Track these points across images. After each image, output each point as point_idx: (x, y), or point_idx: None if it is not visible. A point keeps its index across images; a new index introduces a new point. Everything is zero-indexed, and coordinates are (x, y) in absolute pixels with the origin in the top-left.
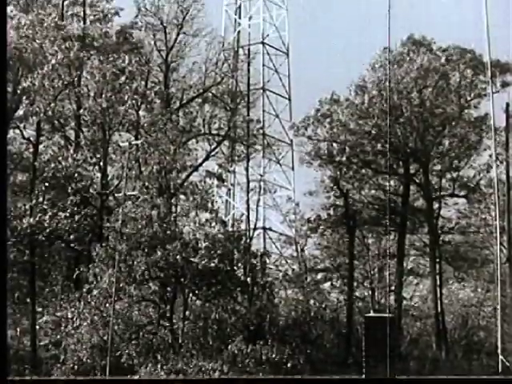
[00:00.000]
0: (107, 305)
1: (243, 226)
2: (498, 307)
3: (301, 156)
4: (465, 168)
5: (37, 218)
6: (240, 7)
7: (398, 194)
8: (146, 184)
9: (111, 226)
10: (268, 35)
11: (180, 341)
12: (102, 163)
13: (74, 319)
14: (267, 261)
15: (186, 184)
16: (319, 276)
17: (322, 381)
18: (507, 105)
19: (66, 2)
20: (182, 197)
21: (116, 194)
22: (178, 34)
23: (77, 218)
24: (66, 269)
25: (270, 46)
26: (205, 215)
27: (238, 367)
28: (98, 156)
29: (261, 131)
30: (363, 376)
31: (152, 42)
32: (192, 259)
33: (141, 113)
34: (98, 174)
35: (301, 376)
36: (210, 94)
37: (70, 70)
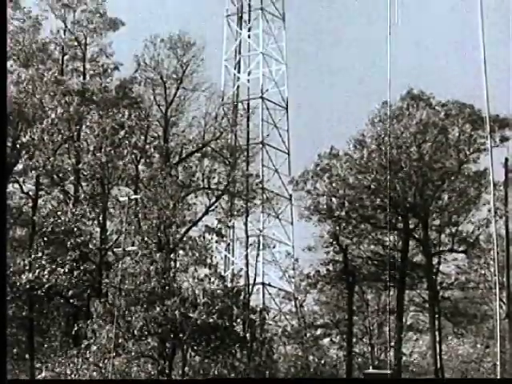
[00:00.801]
0: (106, 361)
1: (242, 282)
2: (498, 363)
3: (300, 211)
4: (464, 223)
5: (35, 274)
6: (239, 62)
7: (397, 249)
8: (145, 239)
9: (110, 281)
10: (267, 90)
11: None
12: (101, 218)
13: (73, 375)
14: (266, 317)
15: (185, 239)
16: (318, 332)
17: (322, 381)
18: (506, 160)
19: (66, 57)
20: (180, 252)
21: (115, 249)
22: (177, 89)
23: (76, 273)
24: (65, 324)
25: (270, 100)
26: (204, 270)
27: None
28: (97, 210)
29: (260, 185)
30: None
31: (151, 97)
32: (191, 315)
33: (140, 167)
34: (97, 229)
35: None
36: (210, 149)
37: (69, 124)
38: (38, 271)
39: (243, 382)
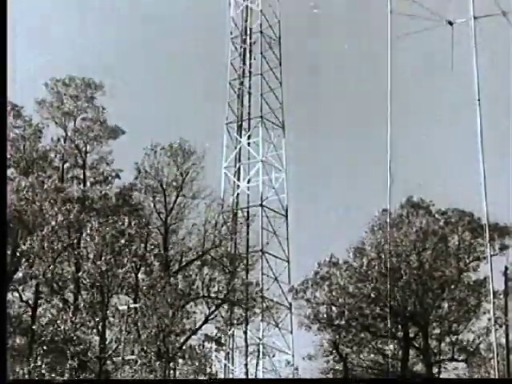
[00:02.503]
0: None
1: None
2: None
3: (300, 319)
4: (464, 332)
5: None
6: (239, 169)
7: (397, 358)
8: (145, 348)
9: None
10: (267, 197)
11: None
12: (100, 326)
13: None
14: None
15: (184, 348)
16: None
17: (323, 381)
18: (506, 268)
19: (66, 165)
20: (180, 361)
21: (114, 358)
22: (177, 197)
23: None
24: None
25: (269, 208)
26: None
27: None
28: (97, 319)
29: (260, 294)
30: None
31: (151, 205)
32: None
33: (140, 275)
34: (97, 338)
35: None
36: (209, 257)
37: (69, 232)
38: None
39: (243, 382)
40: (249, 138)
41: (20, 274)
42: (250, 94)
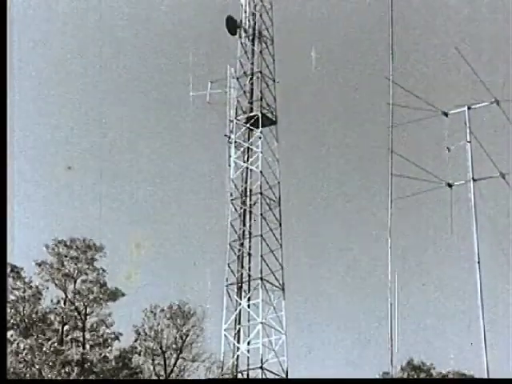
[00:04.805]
0: None
1: None
2: None
3: None
4: None
5: None
6: (239, 331)
7: None
8: None
9: None
10: (267, 360)
11: None
12: None
13: None
14: None
15: None
16: None
17: (323, 381)
18: None
19: (65, 327)
20: None
21: None
22: (176, 359)
23: None
24: None
25: (269, 371)
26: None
27: None
28: None
29: None
30: None
31: (151, 367)
32: None
33: None
34: None
35: None
36: None
37: None
38: None
39: (242, 381)
40: (249, 299)
41: None
42: (250, 255)
